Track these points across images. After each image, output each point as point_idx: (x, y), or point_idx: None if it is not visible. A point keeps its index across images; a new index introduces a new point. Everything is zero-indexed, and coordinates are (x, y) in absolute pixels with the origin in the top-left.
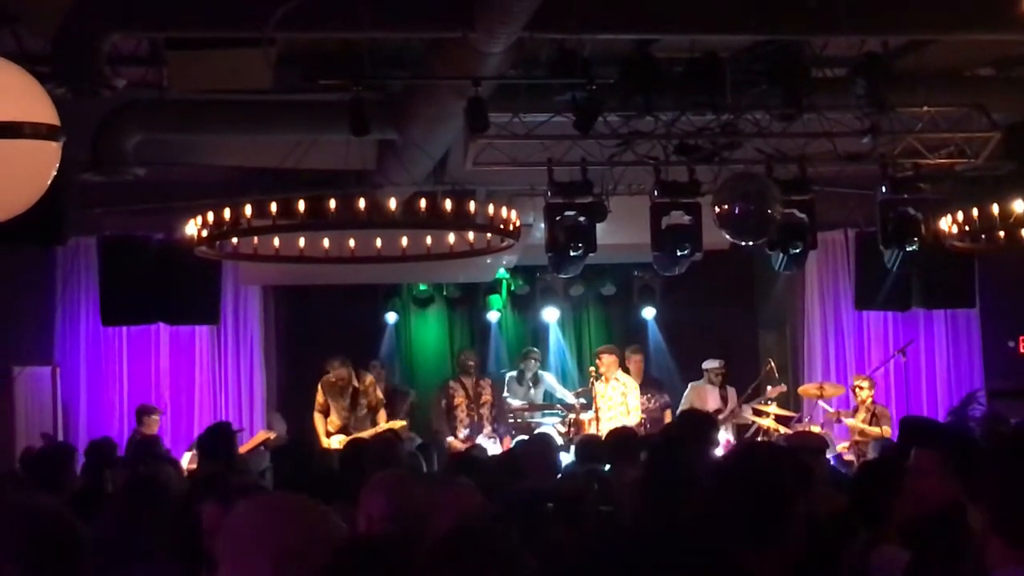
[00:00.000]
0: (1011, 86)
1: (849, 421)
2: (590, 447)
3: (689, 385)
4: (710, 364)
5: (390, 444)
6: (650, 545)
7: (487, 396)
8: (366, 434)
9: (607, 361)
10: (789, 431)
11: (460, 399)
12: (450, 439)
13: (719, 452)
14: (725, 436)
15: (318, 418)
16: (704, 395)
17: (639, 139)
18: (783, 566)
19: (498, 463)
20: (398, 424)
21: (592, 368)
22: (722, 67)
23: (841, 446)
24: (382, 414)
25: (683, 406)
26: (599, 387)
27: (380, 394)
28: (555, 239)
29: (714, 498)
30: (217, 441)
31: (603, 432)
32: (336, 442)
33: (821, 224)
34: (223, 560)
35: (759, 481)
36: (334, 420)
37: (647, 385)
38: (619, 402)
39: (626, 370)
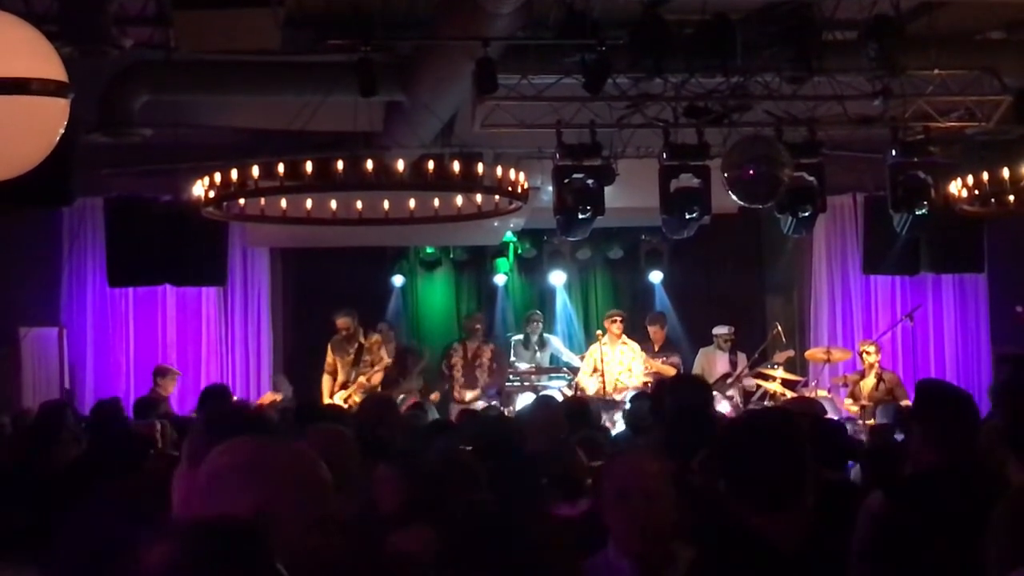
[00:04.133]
0: (1022, 50)
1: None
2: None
3: (699, 351)
4: (720, 330)
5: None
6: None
7: (485, 358)
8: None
9: (620, 327)
10: (795, 395)
11: (457, 359)
12: (451, 403)
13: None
14: (732, 401)
15: (326, 379)
16: (713, 361)
17: (648, 101)
18: (797, 529)
19: (490, 428)
20: (377, 377)
21: (599, 332)
22: (732, 29)
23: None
24: (378, 375)
25: (693, 372)
26: (605, 349)
27: (384, 355)
28: (563, 202)
29: (731, 463)
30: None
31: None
32: (339, 399)
33: (830, 188)
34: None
35: (777, 442)
36: (340, 379)
37: (664, 347)
38: (626, 367)
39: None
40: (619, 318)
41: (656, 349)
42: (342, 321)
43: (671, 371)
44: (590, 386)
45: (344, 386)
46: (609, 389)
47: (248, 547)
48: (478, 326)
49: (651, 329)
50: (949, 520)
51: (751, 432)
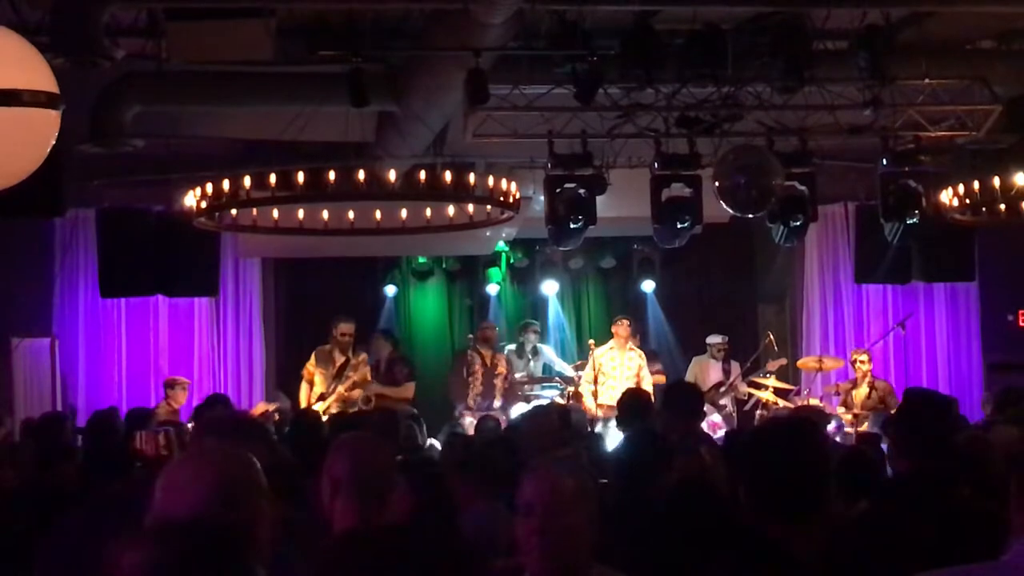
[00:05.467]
0: (1013, 59)
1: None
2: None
3: (693, 360)
4: (713, 339)
5: (391, 415)
6: (682, 520)
7: (502, 368)
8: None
9: (627, 331)
10: (789, 404)
11: (478, 367)
12: (463, 408)
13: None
14: (725, 410)
15: (304, 388)
16: (707, 370)
17: (640, 111)
18: (817, 539)
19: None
20: (356, 391)
21: (591, 341)
22: (723, 39)
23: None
24: (355, 387)
25: (686, 380)
26: (611, 354)
27: (368, 374)
28: (555, 212)
29: (754, 472)
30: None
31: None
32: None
33: (821, 197)
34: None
35: (804, 452)
36: (317, 389)
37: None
38: (634, 373)
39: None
40: (627, 321)
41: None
42: (346, 326)
43: (660, 379)
44: (591, 391)
45: (322, 397)
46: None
47: (227, 547)
48: (489, 334)
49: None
50: (917, 526)
51: (773, 440)
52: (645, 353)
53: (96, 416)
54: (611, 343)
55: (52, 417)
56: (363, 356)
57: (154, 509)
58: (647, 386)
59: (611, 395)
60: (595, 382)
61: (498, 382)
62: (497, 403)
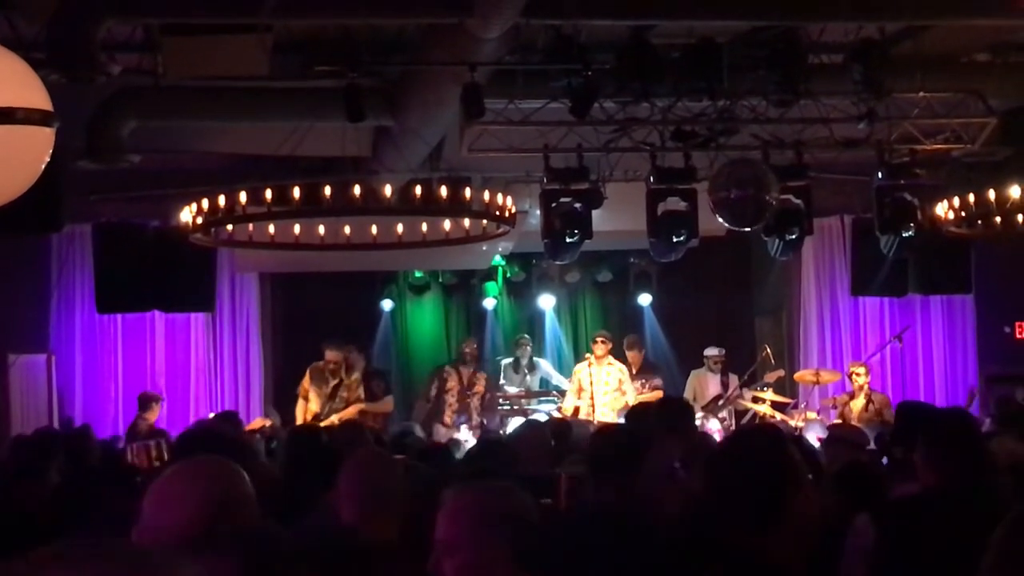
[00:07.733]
0: (1008, 72)
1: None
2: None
3: (691, 373)
4: (711, 352)
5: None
6: (646, 529)
7: (479, 387)
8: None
9: (605, 348)
10: (786, 417)
11: (453, 384)
12: (438, 425)
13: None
14: (723, 423)
15: (300, 405)
16: (705, 383)
17: (635, 125)
18: (790, 550)
19: (485, 450)
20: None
21: (588, 355)
22: (719, 53)
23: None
24: (352, 408)
25: (686, 394)
26: (592, 371)
27: (361, 393)
28: (551, 226)
29: (712, 479)
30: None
31: (596, 417)
32: None
33: (817, 210)
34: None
35: (756, 460)
36: (311, 407)
37: (642, 370)
38: (614, 387)
39: (622, 360)
40: (602, 339)
41: (634, 372)
42: (331, 355)
43: (657, 395)
44: (573, 407)
45: (317, 417)
46: (599, 414)
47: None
48: (467, 351)
49: (629, 353)
50: (940, 543)
51: (731, 451)
52: (645, 366)
53: (70, 436)
54: (588, 359)
55: (41, 435)
56: (356, 376)
57: (144, 522)
58: (631, 400)
59: (593, 411)
60: (578, 393)
61: (473, 400)
62: (474, 420)
